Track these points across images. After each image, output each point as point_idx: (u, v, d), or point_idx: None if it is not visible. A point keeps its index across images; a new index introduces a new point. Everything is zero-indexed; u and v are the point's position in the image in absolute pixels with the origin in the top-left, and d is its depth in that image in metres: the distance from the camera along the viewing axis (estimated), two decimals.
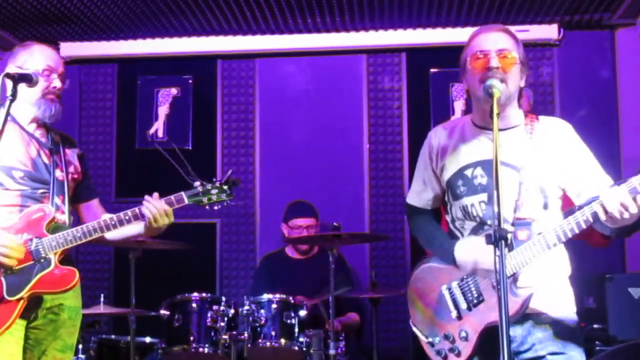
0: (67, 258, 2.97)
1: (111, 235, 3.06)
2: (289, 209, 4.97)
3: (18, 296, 2.78)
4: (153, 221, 2.87)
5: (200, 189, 2.92)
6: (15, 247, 2.80)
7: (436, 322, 2.61)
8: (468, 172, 2.59)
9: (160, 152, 3.36)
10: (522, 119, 2.61)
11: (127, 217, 2.90)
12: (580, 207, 2.34)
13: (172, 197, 2.91)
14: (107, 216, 2.98)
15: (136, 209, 2.90)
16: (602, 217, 2.25)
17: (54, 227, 2.90)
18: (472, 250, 2.50)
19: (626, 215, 2.21)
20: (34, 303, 2.85)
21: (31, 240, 2.84)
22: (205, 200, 2.93)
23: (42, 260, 2.84)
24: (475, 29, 2.68)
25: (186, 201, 2.92)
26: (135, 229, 3.02)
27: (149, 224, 2.89)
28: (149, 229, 2.93)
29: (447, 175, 2.64)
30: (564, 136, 2.57)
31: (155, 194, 2.90)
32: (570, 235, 2.33)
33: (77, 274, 2.87)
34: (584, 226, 2.30)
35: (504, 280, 2.06)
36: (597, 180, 2.47)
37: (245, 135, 5.60)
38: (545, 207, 2.51)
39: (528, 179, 2.48)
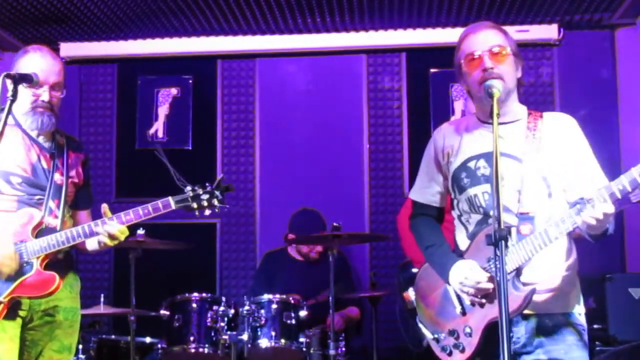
0: (65, 260, 2.96)
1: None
2: (299, 227, 4.82)
3: None
4: (107, 238, 2.83)
5: (190, 194, 2.84)
6: (10, 256, 2.79)
7: (441, 318, 2.62)
8: (471, 164, 2.60)
9: (158, 154, 3.27)
10: (524, 114, 2.61)
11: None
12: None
13: (158, 202, 2.84)
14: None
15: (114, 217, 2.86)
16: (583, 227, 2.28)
17: (42, 231, 2.87)
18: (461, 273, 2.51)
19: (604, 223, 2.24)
20: (17, 304, 2.83)
21: (15, 244, 2.82)
22: (194, 205, 2.84)
23: (25, 265, 2.82)
24: None
25: (173, 206, 2.84)
26: (92, 244, 2.97)
27: (102, 238, 2.85)
28: (101, 243, 2.89)
29: (452, 169, 2.65)
30: (567, 129, 2.57)
31: (104, 205, 2.86)
32: (565, 233, 2.32)
33: (57, 279, 2.83)
34: (579, 225, 2.28)
35: (504, 281, 2.06)
36: (589, 180, 2.44)
37: (245, 136, 5.60)
38: (550, 196, 2.50)
39: (530, 168, 2.49)
